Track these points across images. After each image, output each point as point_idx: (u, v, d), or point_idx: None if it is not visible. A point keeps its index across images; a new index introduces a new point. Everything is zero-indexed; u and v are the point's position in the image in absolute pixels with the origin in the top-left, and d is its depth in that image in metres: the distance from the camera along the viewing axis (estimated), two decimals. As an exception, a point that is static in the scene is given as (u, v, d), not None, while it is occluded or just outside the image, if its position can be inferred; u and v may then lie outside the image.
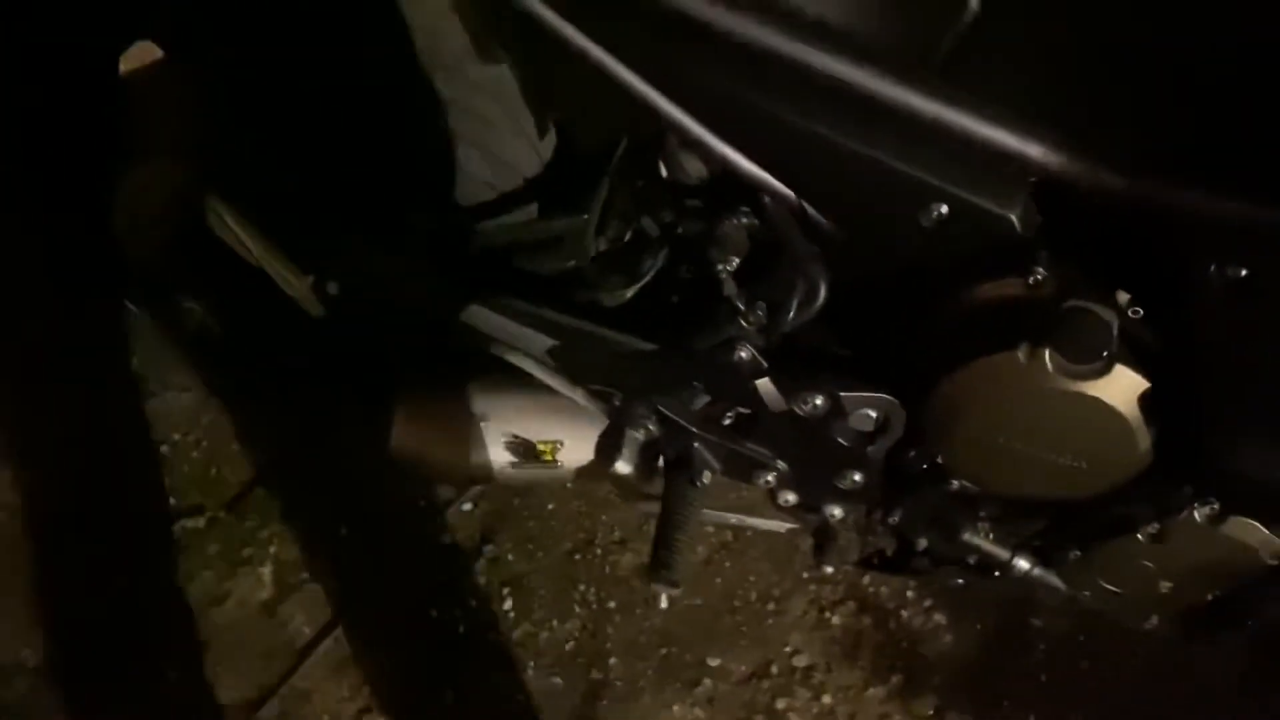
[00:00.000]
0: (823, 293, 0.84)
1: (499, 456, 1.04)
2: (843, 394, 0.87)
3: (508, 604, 1.47)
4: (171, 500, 1.53)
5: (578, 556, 1.52)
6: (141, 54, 1.19)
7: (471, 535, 1.53)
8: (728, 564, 1.50)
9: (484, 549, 1.51)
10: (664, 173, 0.94)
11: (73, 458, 1.57)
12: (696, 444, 0.98)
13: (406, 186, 1.02)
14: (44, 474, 1.55)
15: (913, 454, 0.92)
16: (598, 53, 0.82)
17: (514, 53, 0.95)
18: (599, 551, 1.52)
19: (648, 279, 0.96)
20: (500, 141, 1.01)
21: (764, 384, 0.88)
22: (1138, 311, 0.75)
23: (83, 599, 1.47)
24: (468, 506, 1.55)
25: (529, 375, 1.03)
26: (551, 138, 1.05)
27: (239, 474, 1.55)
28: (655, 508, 1.02)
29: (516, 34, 0.91)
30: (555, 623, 1.46)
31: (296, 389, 1.42)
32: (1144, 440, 0.77)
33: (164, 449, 1.57)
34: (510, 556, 1.51)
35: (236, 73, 1.07)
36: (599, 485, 1.44)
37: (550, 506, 1.56)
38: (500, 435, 1.04)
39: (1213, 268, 0.69)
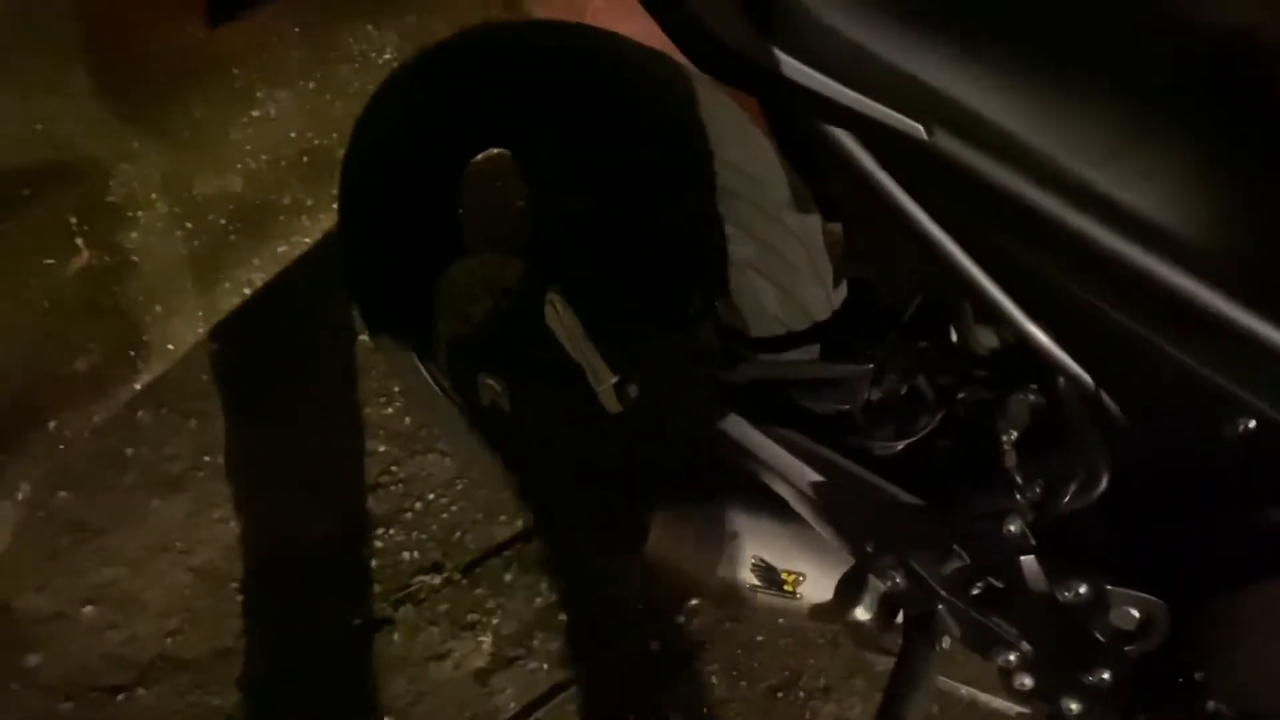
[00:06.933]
0: (1104, 481, 0.85)
1: (743, 576, 1.08)
2: (1109, 587, 0.86)
3: (705, 727, 1.49)
4: (416, 554, 1.64)
5: (780, 694, 1.51)
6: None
7: (680, 650, 1.56)
8: (930, 736, 1.46)
9: (690, 665, 1.54)
10: (954, 337, 0.97)
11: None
12: (941, 606, 0.99)
13: (707, 310, 1.10)
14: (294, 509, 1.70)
15: (1170, 663, 0.89)
16: (920, 216, 0.87)
17: (833, 206, 1.01)
18: (801, 694, 1.51)
19: (920, 436, 0.99)
20: (799, 285, 1.08)
21: (1029, 562, 0.88)
22: None
23: (310, 633, 1.59)
24: (680, 619, 1.58)
25: (784, 504, 1.08)
26: (844, 287, 1.10)
27: (480, 542, 1.66)
28: (879, 660, 1.03)
29: (839, 189, 0.97)
30: (749, 757, 1.46)
31: (557, 473, 1.51)
32: None
33: (417, 505, 1.70)
34: (714, 680, 1.52)
35: (574, 187, 1.20)
36: (810, 625, 1.44)
37: (759, 638, 1.57)
38: (749, 556, 1.08)
39: None
